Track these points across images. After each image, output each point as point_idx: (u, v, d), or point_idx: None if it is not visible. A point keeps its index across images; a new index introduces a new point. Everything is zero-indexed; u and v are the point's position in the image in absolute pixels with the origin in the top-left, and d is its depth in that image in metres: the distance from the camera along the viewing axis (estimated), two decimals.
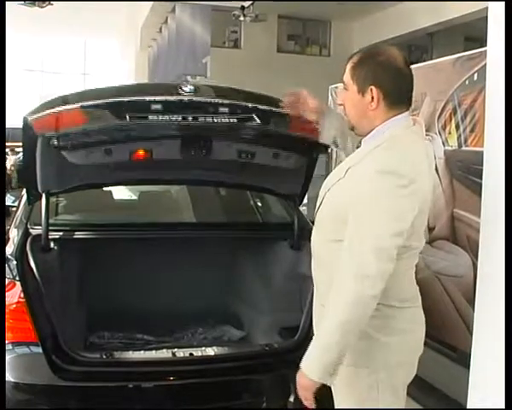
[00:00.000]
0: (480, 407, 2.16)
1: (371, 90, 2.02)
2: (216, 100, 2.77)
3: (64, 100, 2.68)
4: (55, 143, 2.60)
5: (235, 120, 2.69)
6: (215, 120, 2.67)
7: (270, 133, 2.83)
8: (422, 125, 2.16)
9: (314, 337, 2.04)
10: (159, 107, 2.64)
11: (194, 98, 2.69)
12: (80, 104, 2.60)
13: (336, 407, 2.23)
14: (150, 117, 2.60)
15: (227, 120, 2.68)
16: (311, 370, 1.99)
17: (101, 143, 2.72)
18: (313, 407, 2.04)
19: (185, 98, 2.67)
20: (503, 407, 1.94)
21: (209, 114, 2.69)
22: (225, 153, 3.00)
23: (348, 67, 2.10)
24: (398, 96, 2.06)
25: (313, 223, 2.32)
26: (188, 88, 2.68)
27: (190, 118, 2.65)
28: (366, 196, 1.95)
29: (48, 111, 2.63)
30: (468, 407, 2.24)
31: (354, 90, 2.07)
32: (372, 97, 2.03)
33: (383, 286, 1.93)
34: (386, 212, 1.93)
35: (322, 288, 2.21)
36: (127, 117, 2.58)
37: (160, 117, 2.61)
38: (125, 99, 2.65)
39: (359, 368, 2.07)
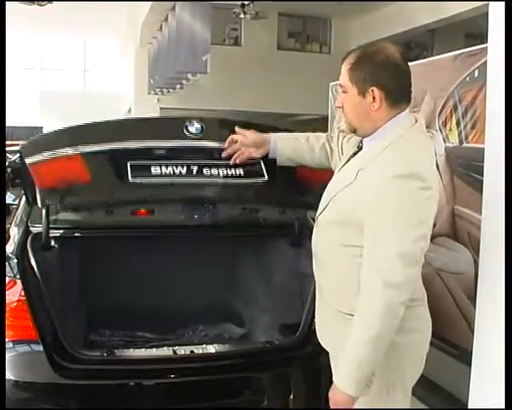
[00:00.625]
0: (481, 406, 2.15)
1: (372, 91, 1.99)
2: (222, 145, 2.69)
3: (62, 139, 2.63)
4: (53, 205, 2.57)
5: (242, 172, 2.64)
6: (220, 173, 2.63)
7: (276, 190, 2.78)
8: (423, 123, 2.14)
9: (345, 351, 1.98)
10: (163, 153, 2.63)
11: (200, 144, 2.67)
12: (80, 151, 2.54)
13: None
14: (153, 170, 2.56)
15: (233, 171, 2.63)
16: (347, 386, 1.95)
17: (103, 206, 2.70)
18: None
19: (191, 144, 2.66)
20: (503, 407, 1.93)
21: (215, 161, 2.65)
22: (229, 212, 3.04)
23: (345, 68, 2.05)
24: (400, 93, 2.03)
25: (313, 220, 2.31)
26: (194, 128, 2.65)
27: (195, 169, 2.60)
28: (387, 200, 1.91)
29: (46, 155, 2.56)
30: (469, 406, 2.23)
31: (354, 92, 2.03)
32: (373, 98, 2.00)
33: (411, 291, 1.92)
34: (409, 216, 1.90)
35: (328, 292, 2.19)
36: (129, 172, 2.54)
37: (164, 169, 2.57)
38: (127, 146, 2.61)
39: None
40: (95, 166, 2.57)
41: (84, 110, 21.41)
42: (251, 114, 16.58)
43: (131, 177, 2.53)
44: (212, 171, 2.61)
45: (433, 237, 3.63)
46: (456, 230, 3.50)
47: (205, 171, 2.60)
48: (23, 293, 2.57)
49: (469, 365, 2.24)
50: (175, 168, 2.58)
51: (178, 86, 13.88)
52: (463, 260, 3.41)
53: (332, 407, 2.00)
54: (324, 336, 2.28)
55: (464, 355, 2.95)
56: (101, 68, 25.37)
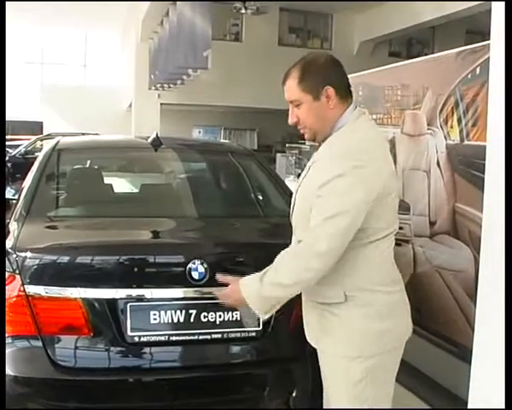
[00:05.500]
0: (481, 406, 2.15)
1: (326, 90, 2.14)
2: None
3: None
4: None
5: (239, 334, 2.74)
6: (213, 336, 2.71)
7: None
8: (367, 113, 2.27)
9: (265, 276, 2.12)
10: (161, 304, 2.68)
11: (200, 295, 2.69)
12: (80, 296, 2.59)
13: (325, 396, 2.29)
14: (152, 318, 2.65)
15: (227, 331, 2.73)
16: (250, 299, 2.14)
17: None
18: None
19: (190, 295, 2.68)
20: (503, 406, 1.93)
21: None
22: None
23: (292, 84, 2.19)
24: (345, 89, 2.20)
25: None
26: (197, 273, 2.65)
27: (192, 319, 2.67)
28: (324, 178, 2.04)
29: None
30: (469, 406, 2.23)
31: (309, 99, 2.16)
32: (327, 97, 2.14)
33: (332, 263, 2.04)
34: (336, 192, 2.02)
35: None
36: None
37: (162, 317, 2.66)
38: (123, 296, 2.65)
39: (352, 357, 2.13)
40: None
41: (85, 105, 21.42)
42: (251, 110, 16.60)
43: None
44: (213, 334, 2.72)
45: (433, 235, 3.67)
46: (456, 227, 3.50)
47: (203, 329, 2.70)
48: (22, 288, 2.56)
49: (469, 362, 2.24)
50: (173, 318, 2.67)
51: (179, 82, 13.87)
52: (464, 257, 3.40)
53: (226, 297, 2.25)
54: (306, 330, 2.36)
55: (464, 353, 2.94)
56: (102, 63, 25.36)
